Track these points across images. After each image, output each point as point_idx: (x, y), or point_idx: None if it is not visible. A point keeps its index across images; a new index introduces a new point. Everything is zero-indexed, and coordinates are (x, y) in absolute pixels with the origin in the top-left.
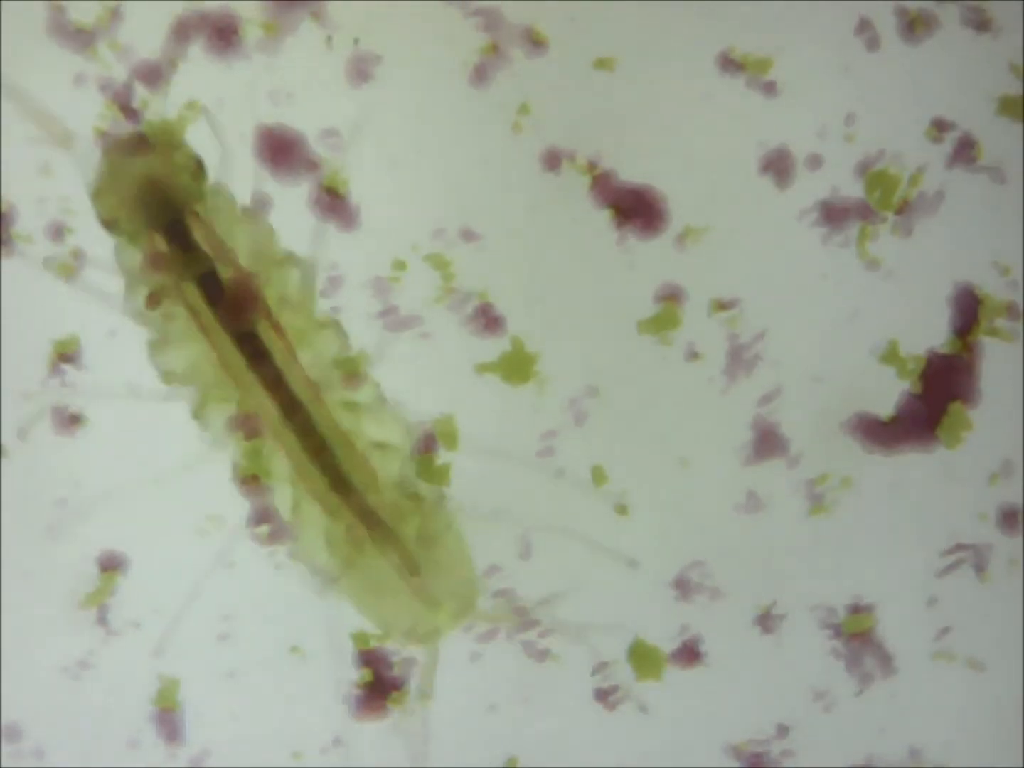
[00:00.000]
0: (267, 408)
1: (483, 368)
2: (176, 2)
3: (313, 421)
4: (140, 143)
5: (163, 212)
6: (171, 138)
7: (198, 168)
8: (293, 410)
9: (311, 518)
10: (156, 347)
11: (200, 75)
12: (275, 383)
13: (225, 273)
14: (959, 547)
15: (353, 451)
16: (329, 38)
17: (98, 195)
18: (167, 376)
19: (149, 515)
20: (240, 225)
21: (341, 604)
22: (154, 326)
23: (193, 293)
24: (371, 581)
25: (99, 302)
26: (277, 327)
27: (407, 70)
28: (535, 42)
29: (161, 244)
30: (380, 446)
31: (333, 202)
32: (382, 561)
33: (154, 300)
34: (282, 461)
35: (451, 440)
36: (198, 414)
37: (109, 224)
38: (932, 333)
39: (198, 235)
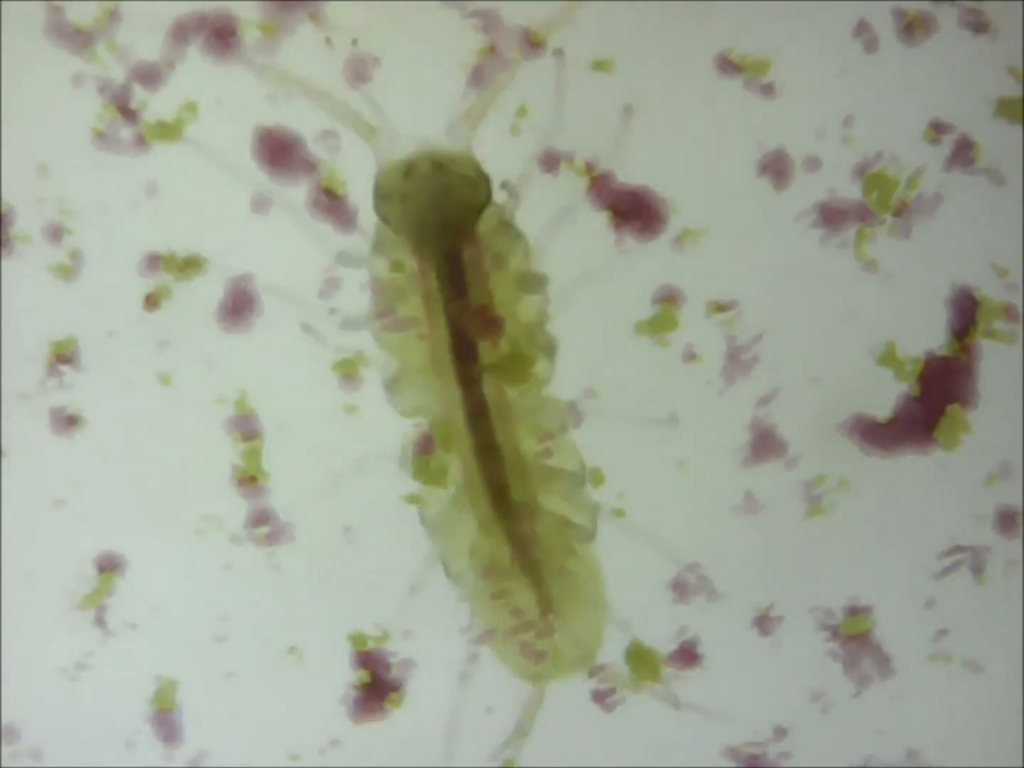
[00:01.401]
0: (456, 407)
1: (483, 370)
2: (174, 3)
3: (495, 433)
4: (442, 167)
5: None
6: (474, 172)
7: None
8: (479, 416)
9: (463, 526)
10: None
11: (198, 76)
12: (472, 385)
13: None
14: (957, 549)
15: (525, 476)
16: (327, 39)
17: (385, 197)
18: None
19: (147, 516)
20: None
21: (338, 605)
22: (386, 293)
23: (432, 278)
24: (503, 610)
25: (97, 303)
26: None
27: (406, 71)
28: (533, 43)
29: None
30: (551, 471)
31: (331, 203)
32: (518, 589)
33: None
34: (455, 465)
35: (448, 441)
36: (391, 387)
37: (388, 222)
38: (930, 335)
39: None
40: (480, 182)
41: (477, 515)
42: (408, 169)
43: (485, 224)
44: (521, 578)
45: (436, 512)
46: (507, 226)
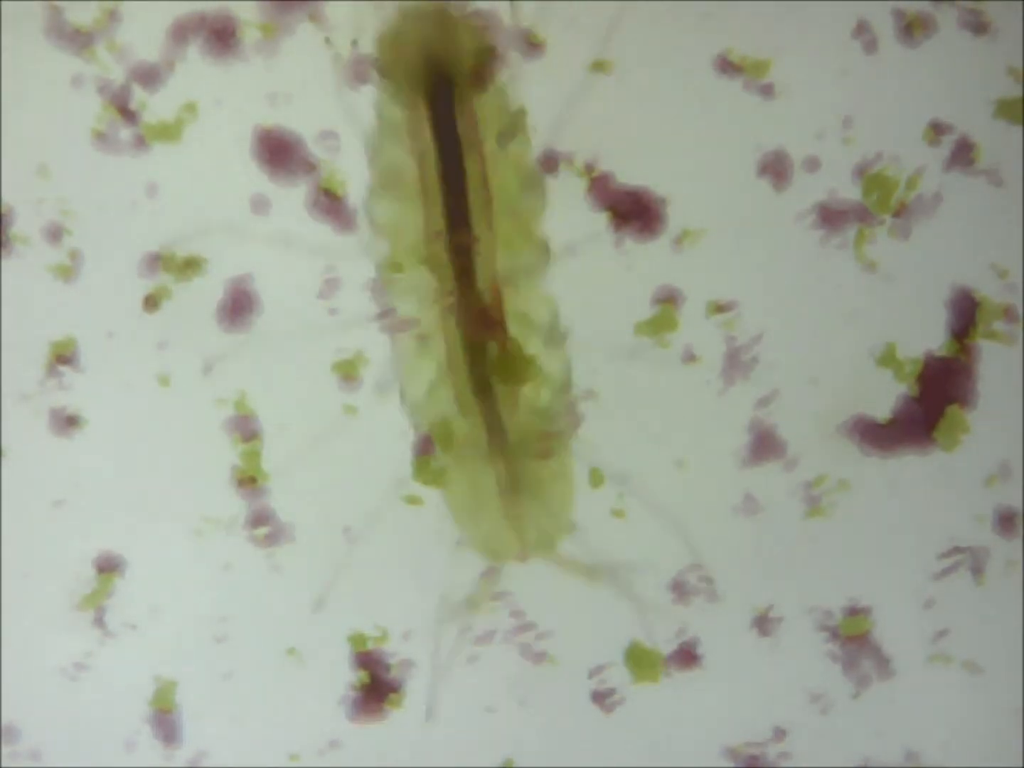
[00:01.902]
0: (446, 284)
1: (483, 371)
2: (174, 3)
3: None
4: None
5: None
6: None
7: (485, 58)
8: (470, 297)
9: (442, 405)
10: (373, 193)
11: (198, 77)
12: (465, 266)
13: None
14: (956, 550)
15: (511, 363)
16: (327, 39)
17: (384, 42)
18: (374, 224)
19: (147, 517)
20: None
21: (337, 606)
22: (378, 169)
23: (431, 154)
24: (470, 485)
25: (97, 303)
26: (489, 221)
27: None
28: (532, 44)
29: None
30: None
31: (331, 204)
32: (488, 471)
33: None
34: (440, 346)
35: (448, 442)
36: (384, 270)
37: (384, 72)
38: (930, 336)
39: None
40: (476, 33)
41: (457, 397)
42: (408, 12)
43: (487, 100)
44: (493, 461)
45: (417, 389)
46: (509, 111)
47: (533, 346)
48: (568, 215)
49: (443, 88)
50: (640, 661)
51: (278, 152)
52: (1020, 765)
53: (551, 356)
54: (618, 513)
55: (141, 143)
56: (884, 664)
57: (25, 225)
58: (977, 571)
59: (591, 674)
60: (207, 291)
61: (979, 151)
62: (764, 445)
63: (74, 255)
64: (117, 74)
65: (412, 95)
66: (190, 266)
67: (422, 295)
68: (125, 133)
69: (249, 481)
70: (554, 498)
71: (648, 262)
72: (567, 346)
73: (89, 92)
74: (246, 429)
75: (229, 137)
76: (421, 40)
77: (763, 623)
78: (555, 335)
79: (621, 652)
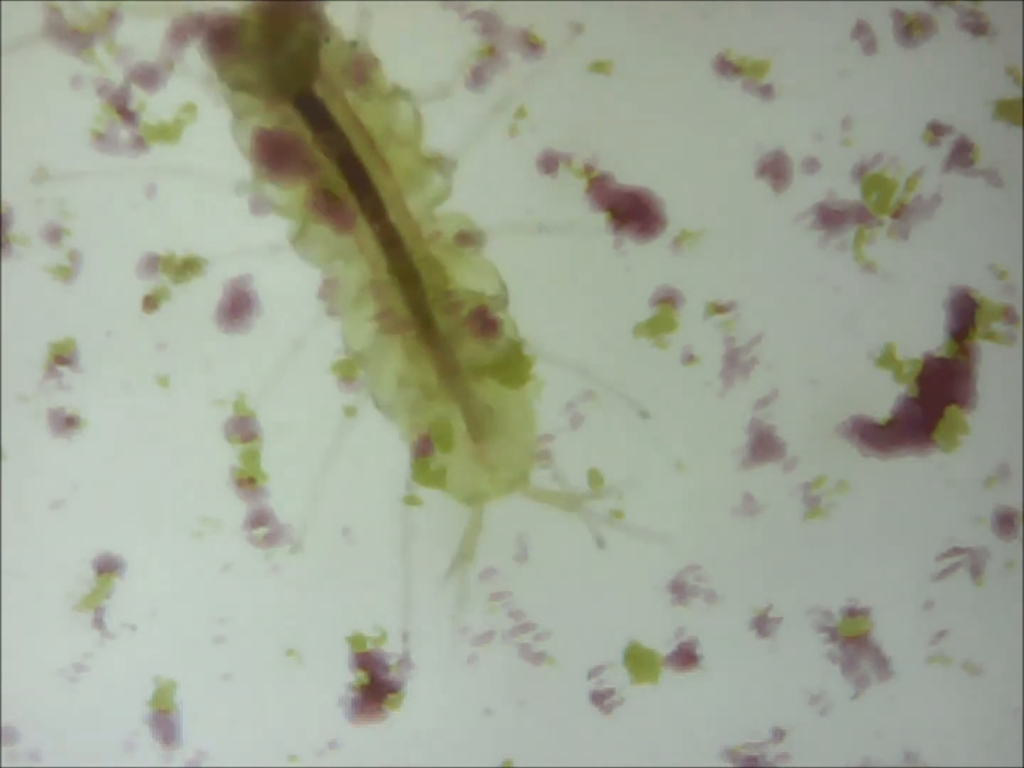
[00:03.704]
0: (367, 239)
1: (480, 371)
2: (173, 4)
3: (411, 258)
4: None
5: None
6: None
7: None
8: (392, 244)
9: (389, 355)
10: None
11: (197, 77)
12: (376, 214)
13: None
14: (955, 551)
15: (447, 295)
16: (327, 40)
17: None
18: (275, 207)
19: (146, 517)
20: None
21: (336, 606)
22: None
23: (294, 117)
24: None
25: (96, 304)
26: (383, 163)
27: (405, 72)
28: (532, 45)
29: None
30: (474, 296)
31: (330, 204)
32: (448, 415)
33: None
34: (371, 298)
35: (447, 442)
36: (298, 240)
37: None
38: (929, 337)
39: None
40: (308, 18)
41: (402, 344)
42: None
43: (333, 57)
44: (450, 403)
45: (363, 346)
46: (357, 56)
47: (463, 273)
48: (567, 216)
49: (301, 78)
50: (639, 662)
51: (278, 152)
52: (1020, 765)
53: (484, 279)
54: (617, 514)
55: (140, 144)
56: (883, 665)
57: (24, 226)
58: (976, 572)
59: (590, 674)
60: (206, 292)
61: (978, 152)
62: (763, 446)
63: (73, 256)
64: (116, 75)
65: (272, 95)
66: (189, 267)
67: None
68: (124, 134)
69: (248, 482)
70: (517, 430)
71: (647, 263)
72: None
73: (88, 93)
74: (245, 430)
75: (229, 138)
76: (259, 46)
77: (762, 624)
78: (480, 261)
79: (620, 653)
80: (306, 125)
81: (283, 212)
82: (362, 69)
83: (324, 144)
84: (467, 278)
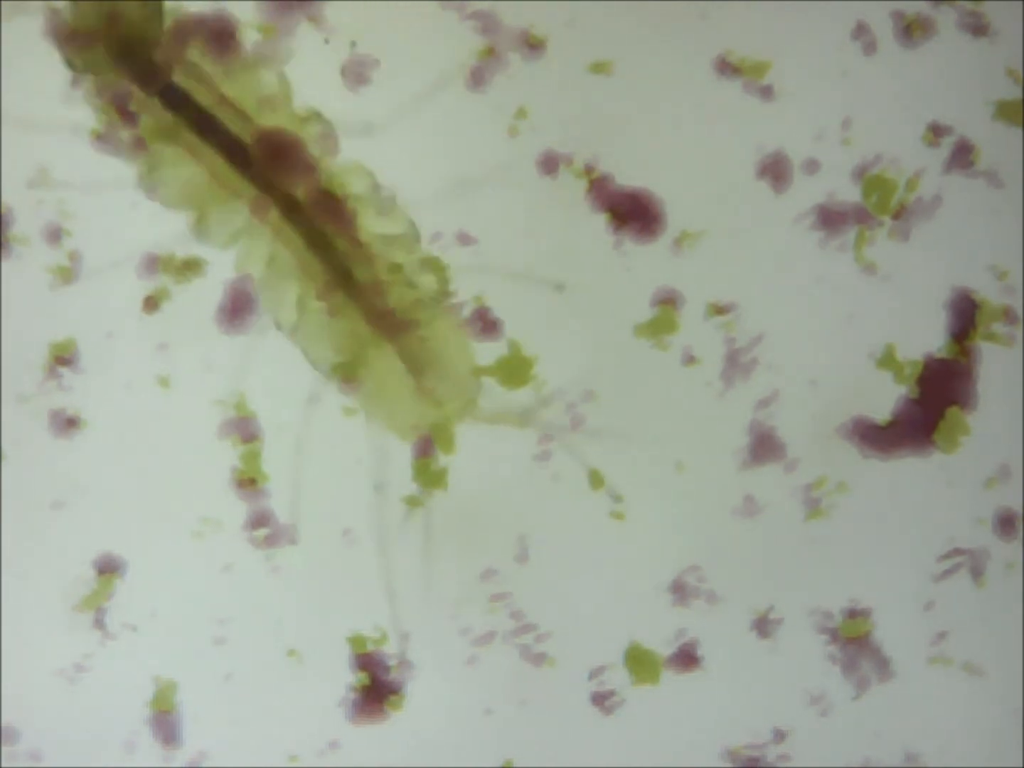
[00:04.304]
0: (268, 208)
1: (480, 371)
2: (173, 4)
3: (314, 220)
4: None
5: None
6: None
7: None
8: (293, 206)
9: (316, 317)
10: (147, 177)
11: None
12: (271, 187)
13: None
14: (956, 552)
15: (358, 246)
16: (326, 41)
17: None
18: (166, 200)
19: (146, 518)
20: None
21: (337, 607)
22: (143, 160)
23: (157, 108)
24: (375, 381)
25: (96, 305)
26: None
27: (404, 73)
28: (532, 45)
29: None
30: (385, 239)
31: (330, 204)
32: (385, 360)
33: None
34: (286, 260)
35: (448, 443)
36: (198, 230)
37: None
38: (929, 337)
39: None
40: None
41: (326, 302)
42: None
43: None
44: (384, 346)
45: (287, 314)
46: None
47: (370, 219)
48: (567, 216)
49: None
50: (640, 662)
51: (278, 153)
52: (1020, 766)
53: (390, 221)
54: (617, 515)
55: (141, 145)
56: (884, 666)
57: (24, 226)
58: (977, 573)
59: (591, 675)
60: (207, 292)
61: (978, 153)
62: (764, 447)
63: (73, 256)
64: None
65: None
66: (189, 267)
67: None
68: (124, 134)
69: (249, 483)
70: (455, 358)
71: (648, 264)
72: (399, 206)
73: (88, 93)
74: (246, 431)
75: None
76: (104, 25)
77: (763, 625)
78: (384, 201)
79: (621, 653)
80: (176, 116)
81: (175, 203)
82: (222, 41)
83: (199, 131)
84: (377, 224)
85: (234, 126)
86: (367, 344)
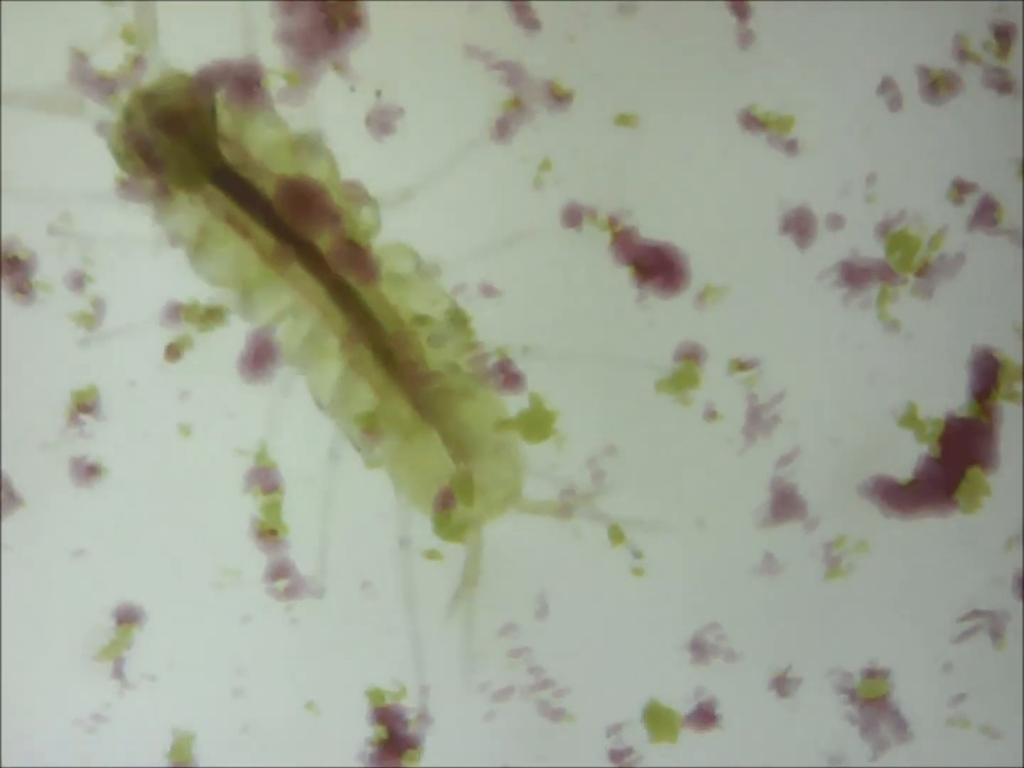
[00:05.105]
0: (314, 290)
1: (502, 425)
2: (199, 51)
3: (358, 296)
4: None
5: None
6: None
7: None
8: (338, 287)
9: (358, 395)
10: (194, 256)
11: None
12: (322, 270)
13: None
14: (975, 613)
15: (400, 326)
16: (352, 89)
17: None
18: (212, 279)
19: (166, 568)
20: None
21: (355, 660)
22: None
23: (216, 195)
24: (416, 465)
25: (118, 352)
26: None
27: (429, 123)
28: (557, 97)
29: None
30: (423, 320)
31: (354, 254)
32: (428, 444)
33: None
34: (331, 340)
35: (468, 496)
36: (245, 311)
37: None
38: (951, 396)
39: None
40: (194, 90)
41: (370, 384)
42: (128, 117)
43: (226, 121)
44: (428, 432)
45: (329, 392)
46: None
47: (408, 296)
48: (591, 269)
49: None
50: (658, 720)
51: (302, 201)
52: None
53: (433, 300)
54: (637, 571)
55: (165, 191)
56: (902, 727)
57: (48, 272)
58: (996, 635)
59: (609, 732)
60: (229, 341)
61: (1002, 211)
62: (784, 504)
63: (96, 303)
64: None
65: (186, 181)
66: (212, 316)
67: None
68: (148, 181)
69: (269, 534)
70: (501, 446)
71: (671, 318)
72: (434, 278)
73: (113, 139)
74: (267, 481)
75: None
76: (162, 128)
77: (781, 684)
78: (423, 271)
79: (639, 711)
80: (230, 199)
81: (219, 282)
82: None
83: (255, 211)
84: (418, 306)
85: (257, 178)
86: (412, 430)
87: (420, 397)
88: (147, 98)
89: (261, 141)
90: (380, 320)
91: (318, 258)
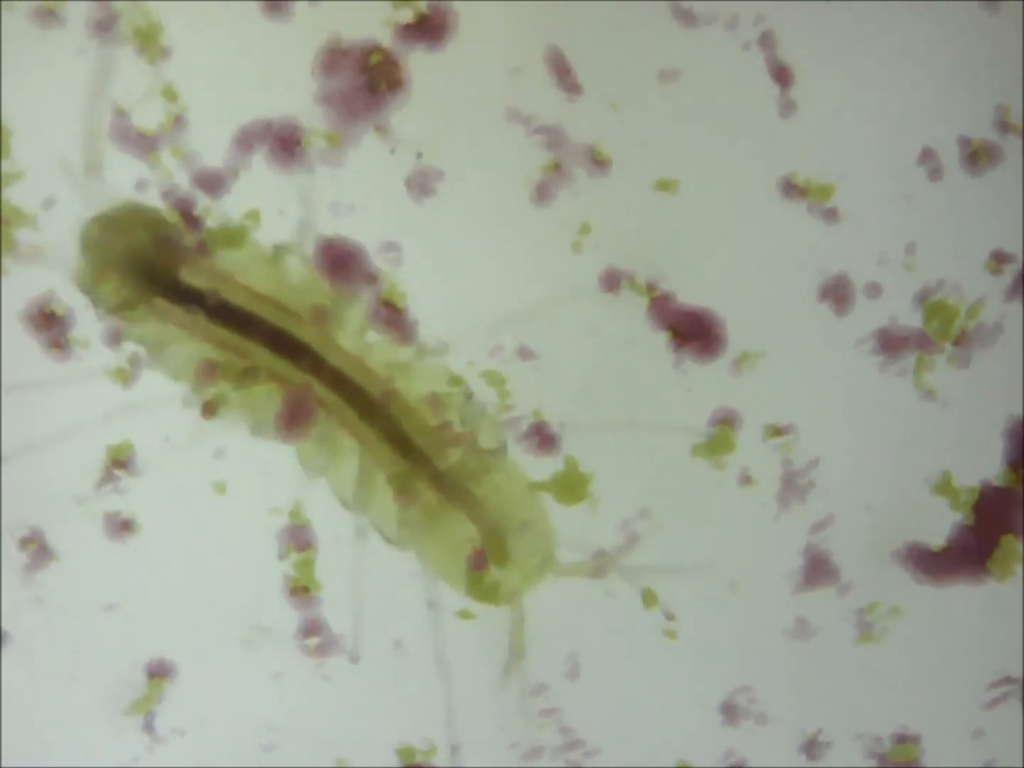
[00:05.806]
0: (318, 391)
1: (536, 487)
2: (240, 110)
3: (363, 388)
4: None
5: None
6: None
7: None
8: (341, 384)
9: (380, 489)
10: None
11: (262, 184)
12: (317, 367)
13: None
14: (1007, 680)
15: (410, 410)
16: (392, 151)
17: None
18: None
19: (198, 623)
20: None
21: (386, 718)
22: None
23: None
24: (446, 544)
25: (154, 408)
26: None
27: (469, 186)
28: (597, 162)
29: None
30: (434, 399)
31: (391, 315)
32: (456, 523)
33: (210, 409)
34: (345, 438)
35: (502, 557)
36: (255, 432)
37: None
38: (986, 465)
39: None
40: (150, 219)
41: (389, 474)
42: (85, 243)
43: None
44: (455, 512)
45: (351, 489)
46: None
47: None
48: (628, 333)
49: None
50: None
51: (340, 262)
52: None
53: (439, 378)
54: (670, 634)
55: (204, 249)
56: None
57: (84, 329)
58: None
59: None
60: (265, 399)
61: None
62: (818, 570)
63: (133, 360)
64: (181, 179)
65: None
66: (248, 374)
67: None
68: (188, 239)
69: (302, 591)
70: (531, 516)
71: (707, 383)
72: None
73: (153, 197)
74: (300, 538)
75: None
76: (121, 252)
77: (812, 747)
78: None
79: None
80: (194, 312)
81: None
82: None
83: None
84: (424, 388)
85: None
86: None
87: (442, 479)
88: (105, 223)
89: (233, 260)
90: (389, 408)
91: (318, 359)
